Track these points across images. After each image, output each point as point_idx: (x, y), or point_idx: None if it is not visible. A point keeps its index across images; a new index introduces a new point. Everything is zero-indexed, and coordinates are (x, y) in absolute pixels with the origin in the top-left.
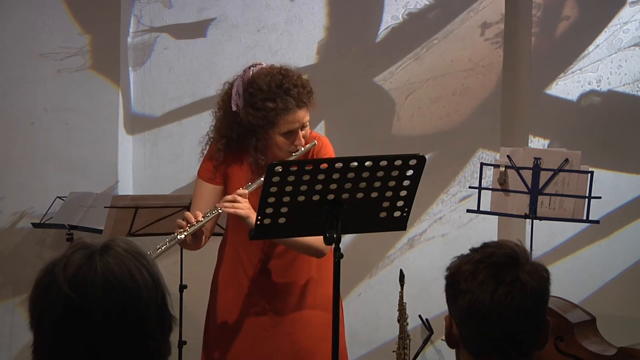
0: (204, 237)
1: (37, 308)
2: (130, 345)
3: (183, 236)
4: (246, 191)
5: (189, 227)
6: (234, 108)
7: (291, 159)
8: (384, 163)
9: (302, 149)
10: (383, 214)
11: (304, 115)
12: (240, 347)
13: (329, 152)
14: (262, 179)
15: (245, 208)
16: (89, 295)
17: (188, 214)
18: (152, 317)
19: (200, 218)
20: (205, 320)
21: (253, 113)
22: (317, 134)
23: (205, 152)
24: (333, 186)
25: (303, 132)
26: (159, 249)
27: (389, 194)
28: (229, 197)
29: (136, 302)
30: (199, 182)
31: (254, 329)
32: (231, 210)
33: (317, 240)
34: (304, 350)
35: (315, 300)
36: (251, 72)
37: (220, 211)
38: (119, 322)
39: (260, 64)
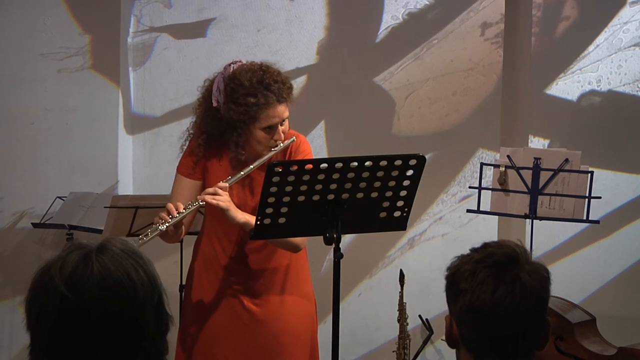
0: (183, 229)
1: (33, 309)
2: (127, 345)
3: (165, 227)
4: (227, 184)
5: (171, 219)
6: (214, 104)
7: (270, 154)
8: (384, 163)
9: (282, 144)
10: (383, 214)
11: (283, 110)
12: (217, 341)
13: (307, 149)
14: (242, 172)
15: (225, 200)
16: (86, 296)
17: (170, 205)
18: (149, 316)
19: (181, 209)
20: (181, 314)
21: (234, 108)
22: (295, 132)
23: (185, 147)
24: (333, 186)
25: (282, 127)
26: (140, 239)
27: (389, 194)
28: (210, 189)
29: (133, 301)
30: (178, 177)
31: (230, 321)
32: (213, 201)
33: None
34: (284, 344)
35: (297, 297)
36: (232, 69)
37: (201, 203)
38: (116, 322)
39: (240, 61)
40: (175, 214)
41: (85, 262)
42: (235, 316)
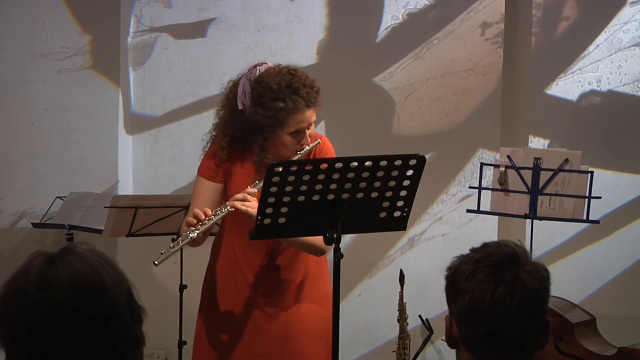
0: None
1: (7, 320)
2: (107, 337)
3: (195, 235)
4: (255, 190)
5: (200, 225)
6: (239, 106)
7: (295, 157)
8: (384, 163)
9: (307, 147)
10: (383, 214)
11: (312, 115)
12: (233, 344)
13: (330, 151)
14: None
15: (255, 207)
16: (57, 293)
17: (198, 211)
18: (121, 306)
19: (210, 215)
20: (197, 318)
21: (262, 112)
22: (319, 134)
23: (207, 149)
24: (333, 186)
25: (309, 131)
26: (172, 246)
27: (389, 194)
28: (239, 195)
29: (104, 293)
30: (199, 179)
31: (248, 326)
32: (243, 208)
33: (317, 239)
34: (299, 345)
35: (312, 297)
36: (258, 71)
37: (231, 209)
38: (91, 315)
39: (266, 63)
40: (205, 220)
41: (50, 263)
42: (254, 321)
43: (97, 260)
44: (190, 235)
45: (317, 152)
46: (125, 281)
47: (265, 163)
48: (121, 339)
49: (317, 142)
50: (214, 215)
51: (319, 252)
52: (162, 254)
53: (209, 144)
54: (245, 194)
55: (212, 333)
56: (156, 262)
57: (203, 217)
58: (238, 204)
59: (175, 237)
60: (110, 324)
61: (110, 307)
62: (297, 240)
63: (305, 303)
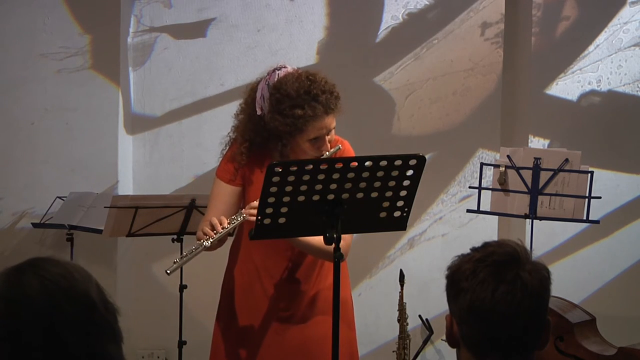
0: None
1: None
2: (84, 325)
3: (209, 243)
4: None
5: (215, 234)
6: (258, 112)
7: None
8: (384, 163)
9: (327, 153)
10: (383, 214)
11: (331, 121)
12: (251, 356)
13: (352, 155)
14: None
15: None
16: (30, 293)
17: (214, 220)
18: (95, 297)
19: (225, 224)
20: (214, 326)
21: (280, 119)
22: (340, 138)
23: (225, 152)
24: (333, 186)
25: (329, 137)
26: (185, 255)
27: (389, 194)
28: (255, 203)
29: (75, 286)
30: (218, 182)
31: (266, 338)
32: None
33: (341, 245)
34: (315, 350)
35: (329, 303)
36: (277, 76)
37: (245, 217)
38: (67, 308)
39: (285, 67)
40: (220, 230)
41: (16, 272)
42: (272, 331)
43: (62, 266)
44: (205, 243)
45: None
46: (94, 278)
47: None
48: (97, 324)
49: (337, 147)
50: (229, 224)
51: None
52: (175, 262)
53: (228, 147)
54: None
55: (229, 343)
56: (168, 272)
57: (220, 227)
58: (252, 213)
59: (176, 237)
60: (85, 313)
61: (83, 296)
62: (315, 247)
63: (322, 309)
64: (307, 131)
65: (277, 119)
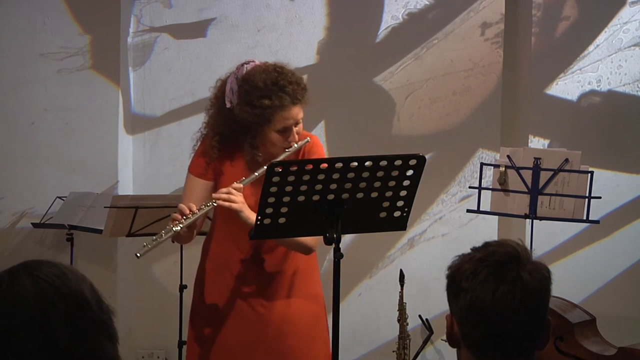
0: (195, 230)
1: None
2: (78, 323)
3: (179, 228)
4: (241, 185)
5: (184, 219)
6: (227, 105)
7: (284, 155)
8: (384, 163)
9: (296, 145)
10: (383, 214)
11: (298, 112)
12: (226, 343)
13: (320, 150)
14: (256, 173)
15: (239, 202)
16: (23, 296)
17: (182, 206)
18: (88, 296)
19: (194, 210)
20: (189, 318)
21: (249, 110)
22: (307, 133)
23: (197, 147)
24: (333, 186)
25: (297, 128)
26: (154, 240)
27: (389, 194)
28: (224, 190)
29: (68, 286)
30: (189, 177)
31: (240, 324)
32: (226, 204)
33: (306, 238)
34: (291, 348)
35: (303, 298)
36: (245, 69)
37: (215, 204)
38: (62, 315)
39: (253, 61)
40: (189, 215)
41: (9, 273)
42: (244, 319)
43: (57, 262)
44: (174, 228)
45: (307, 151)
46: (88, 279)
47: (255, 161)
48: (92, 326)
49: (306, 140)
50: (199, 210)
51: (307, 250)
52: (144, 246)
53: (199, 142)
54: (231, 189)
55: (202, 334)
56: (138, 255)
57: (188, 211)
58: (221, 198)
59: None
60: (79, 312)
61: (76, 294)
62: (289, 240)
63: (296, 303)
64: (274, 121)
65: (246, 110)
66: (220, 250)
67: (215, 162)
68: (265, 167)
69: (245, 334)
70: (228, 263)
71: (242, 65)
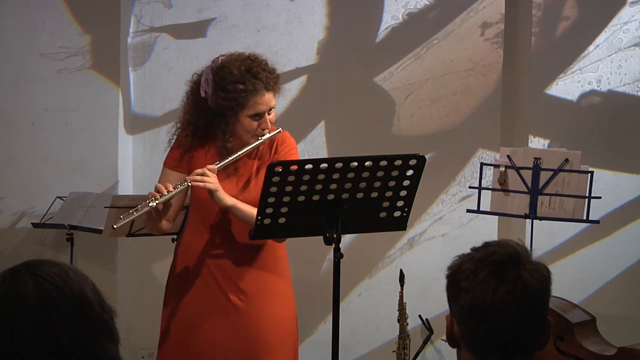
0: (166, 221)
1: None
2: (80, 324)
3: (154, 204)
4: (215, 167)
5: (160, 197)
6: (202, 94)
7: (256, 144)
8: (384, 163)
9: (268, 134)
10: (383, 214)
11: (271, 98)
12: (199, 332)
13: (292, 142)
14: (231, 157)
15: (214, 182)
16: (26, 295)
17: (159, 185)
18: (90, 296)
19: (170, 189)
20: (161, 315)
21: (223, 95)
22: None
23: (173, 141)
24: (333, 186)
25: (270, 116)
26: (130, 214)
27: (389, 194)
28: (199, 170)
29: (70, 286)
30: (164, 170)
31: (213, 312)
32: (200, 184)
33: None
34: (267, 342)
35: (276, 293)
36: (220, 60)
37: (189, 184)
38: (64, 314)
39: (227, 53)
40: (165, 193)
41: (11, 273)
42: (217, 307)
43: (59, 262)
44: (150, 204)
45: (279, 143)
46: (90, 279)
47: (227, 147)
48: (94, 326)
49: (278, 130)
50: (174, 189)
51: None
52: (121, 218)
53: (175, 136)
54: (205, 170)
55: (176, 322)
56: (114, 226)
57: (164, 190)
58: (195, 179)
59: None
60: (81, 311)
61: (78, 294)
62: (248, 215)
63: (271, 300)
64: (247, 106)
65: (220, 95)
66: (192, 238)
67: (189, 153)
68: (239, 153)
69: (217, 322)
70: (198, 250)
71: (217, 57)
